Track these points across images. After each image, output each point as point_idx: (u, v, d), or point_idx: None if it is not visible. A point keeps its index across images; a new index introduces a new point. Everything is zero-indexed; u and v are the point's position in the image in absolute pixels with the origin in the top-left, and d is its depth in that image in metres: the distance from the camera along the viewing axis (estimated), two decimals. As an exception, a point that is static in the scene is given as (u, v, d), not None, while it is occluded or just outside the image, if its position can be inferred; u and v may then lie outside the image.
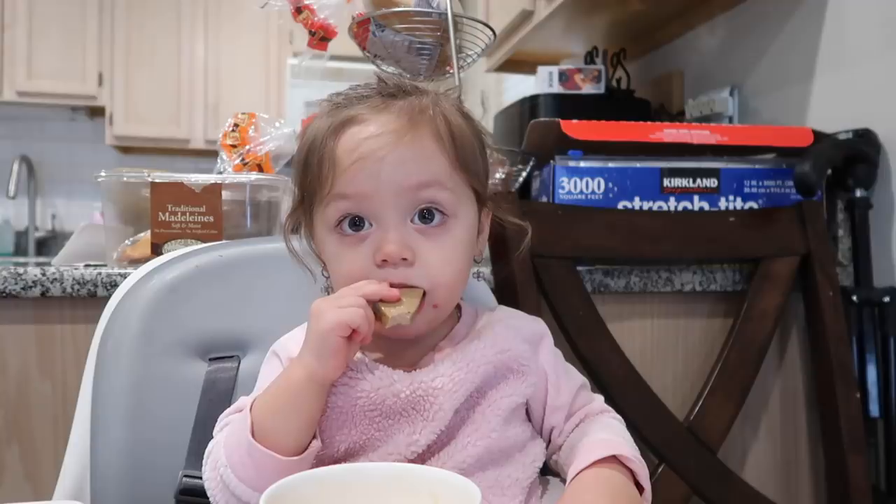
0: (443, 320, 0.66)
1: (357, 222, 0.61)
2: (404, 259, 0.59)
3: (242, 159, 1.20)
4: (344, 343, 0.56)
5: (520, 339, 0.66)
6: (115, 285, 0.92)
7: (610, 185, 1.11)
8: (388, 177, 0.59)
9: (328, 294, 0.66)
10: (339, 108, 0.62)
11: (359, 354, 0.63)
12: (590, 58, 1.90)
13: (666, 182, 1.12)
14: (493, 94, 3.20)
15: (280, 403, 0.57)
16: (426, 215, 0.61)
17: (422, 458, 0.60)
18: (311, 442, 0.58)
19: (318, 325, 0.56)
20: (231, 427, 0.60)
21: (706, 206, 1.13)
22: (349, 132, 0.60)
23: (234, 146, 1.21)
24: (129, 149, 4.02)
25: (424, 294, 0.60)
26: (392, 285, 0.59)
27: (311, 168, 0.62)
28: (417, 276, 0.60)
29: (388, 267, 0.59)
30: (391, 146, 0.59)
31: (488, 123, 2.18)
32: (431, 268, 0.60)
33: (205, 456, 0.61)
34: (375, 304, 0.58)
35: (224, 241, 0.91)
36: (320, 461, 0.61)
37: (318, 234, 0.65)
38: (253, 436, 0.56)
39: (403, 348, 0.65)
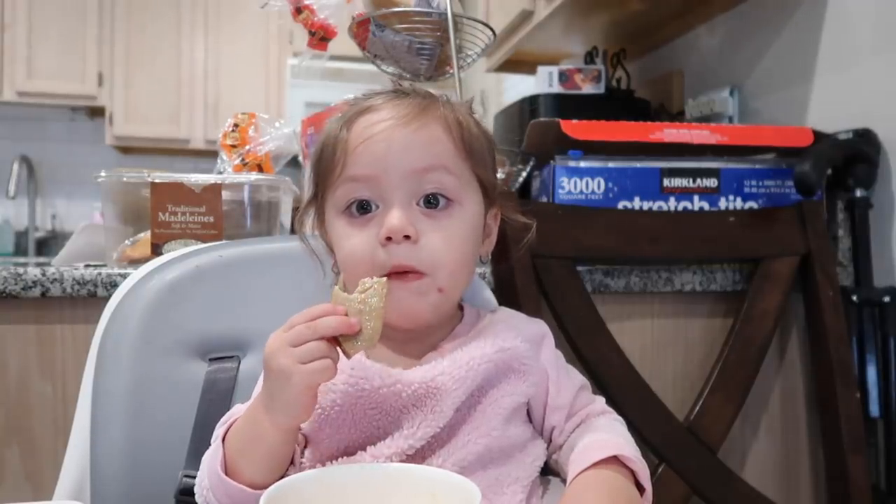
0: (447, 311, 0.66)
1: (365, 206, 0.62)
2: (407, 237, 0.60)
3: (242, 159, 1.20)
4: (313, 395, 0.55)
5: (521, 338, 0.66)
6: (115, 285, 0.92)
7: (610, 185, 1.11)
8: (395, 159, 0.61)
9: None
10: (353, 105, 0.66)
11: (361, 355, 0.63)
12: (590, 58, 1.90)
13: (666, 182, 1.12)
14: (493, 94, 3.20)
15: (248, 446, 0.57)
16: (431, 201, 0.62)
17: (422, 456, 0.60)
18: (287, 470, 0.58)
19: (285, 388, 0.53)
20: (211, 451, 0.60)
21: (706, 206, 1.13)
22: (361, 119, 0.63)
23: (234, 146, 1.21)
24: (129, 149, 4.02)
25: (386, 299, 0.56)
26: (396, 268, 0.60)
27: (325, 155, 0.64)
28: (420, 256, 0.60)
29: (391, 245, 0.60)
30: (399, 129, 0.61)
31: (488, 123, 2.18)
32: (434, 250, 0.61)
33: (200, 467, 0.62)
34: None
35: (224, 242, 0.91)
36: (320, 459, 0.61)
37: (329, 221, 0.66)
38: (226, 468, 0.57)
39: (405, 347, 0.65)
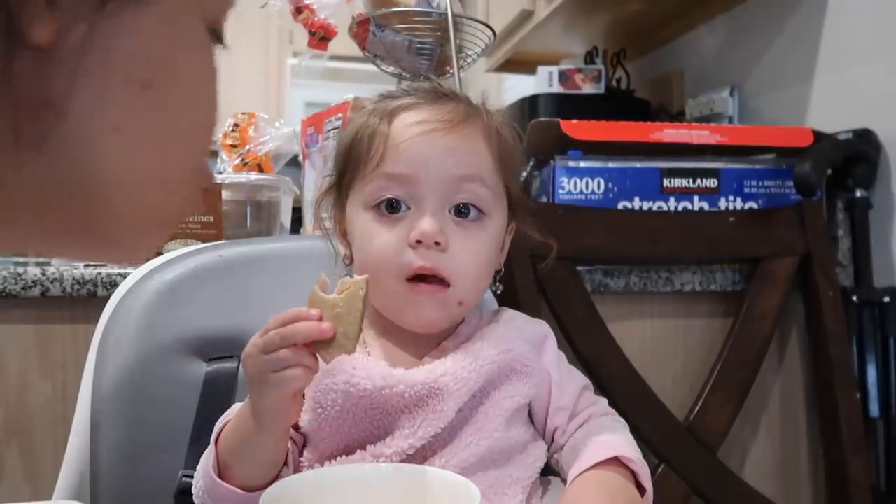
0: (459, 319, 0.66)
1: (395, 205, 0.61)
2: (437, 243, 0.59)
3: (242, 159, 1.20)
4: (290, 401, 0.54)
5: (523, 339, 0.66)
6: (114, 285, 0.92)
7: (610, 185, 1.11)
8: (437, 163, 0.60)
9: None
10: (391, 99, 0.65)
11: (363, 354, 0.63)
12: (590, 58, 1.90)
13: (666, 182, 1.12)
14: (493, 94, 3.19)
15: (239, 448, 0.57)
16: (462, 210, 0.62)
17: (423, 456, 0.60)
18: (281, 470, 0.58)
19: (259, 396, 0.53)
20: (206, 452, 0.60)
21: (706, 206, 1.13)
22: (403, 115, 0.62)
23: (234, 146, 1.21)
24: (129, 149, 4.02)
25: (365, 301, 0.53)
26: (420, 269, 0.59)
27: (358, 145, 0.63)
28: (447, 264, 0.60)
29: (420, 248, 0.60)
30: (442, 133, 0.60)
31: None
32: (461, 260, 0.61)
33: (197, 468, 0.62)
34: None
35: (224, 241, 0.91)
36: (320, 458, 0.61)
37: (351, 214, 0.65)
38: (219, 470, 0.57)
39: (407, 347, 0.65)
